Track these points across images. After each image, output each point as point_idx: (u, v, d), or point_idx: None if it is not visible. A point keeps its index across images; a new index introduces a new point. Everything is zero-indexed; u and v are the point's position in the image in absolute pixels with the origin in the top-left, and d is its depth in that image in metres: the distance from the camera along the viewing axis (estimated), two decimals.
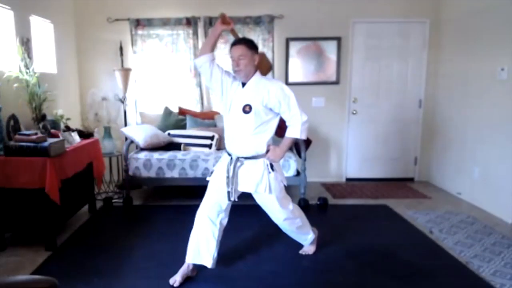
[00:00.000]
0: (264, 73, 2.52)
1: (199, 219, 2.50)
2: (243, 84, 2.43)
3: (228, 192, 2.43)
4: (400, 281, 2.51)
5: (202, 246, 2.48)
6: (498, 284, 2.45)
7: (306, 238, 2.82)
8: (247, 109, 2.38)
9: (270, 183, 2.43)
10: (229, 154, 2.50)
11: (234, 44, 2.43)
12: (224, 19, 2.42)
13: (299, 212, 2.71)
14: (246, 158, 2.45)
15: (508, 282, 2.48)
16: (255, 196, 2.53)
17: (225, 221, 2.55)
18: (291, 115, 2.41)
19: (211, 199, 2.50)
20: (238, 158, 2.45)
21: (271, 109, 2.41)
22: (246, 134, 2.42)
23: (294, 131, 2.43)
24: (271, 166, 2.45)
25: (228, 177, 2.42)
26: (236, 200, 2.46)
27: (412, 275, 2.59)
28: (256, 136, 2.42)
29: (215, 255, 2.50)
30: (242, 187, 2.46)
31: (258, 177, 2.43)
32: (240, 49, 2.37)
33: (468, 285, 2.49)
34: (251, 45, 2.40)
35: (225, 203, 2.49)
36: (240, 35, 2.57)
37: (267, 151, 2.45)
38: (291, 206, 2.62)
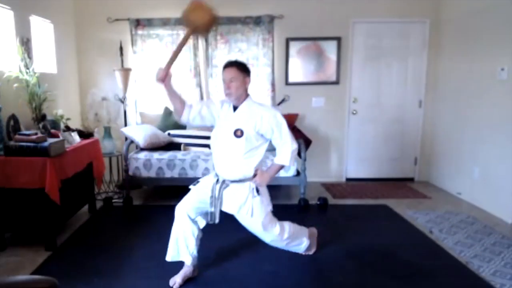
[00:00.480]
0: (202, 21, 2.35)
1: (179, 217, 2.46)
2: (234, 107, 2.43)
3: (211, 213, 2.42)
4: (400, 281, 2.51)
5: (182, 244, 2.46)
6: (498, 284, 2.45)
7: (300, 248, 2.78)
8: (238, 133, 2.37)
9: (254, 207, 2.42)
10: (216, 175, 2.49)
11: (225, 66, 2.41)
12: (162, 76, 2.34)
13: (288, 230, 2.62)
14: (232, 181, 2.45)
15: (508, 282, 2.48)
16: (238, 218, 2.50)
17: (202, 224, 2.54)
18: (282, 142, 2.43)
19: (192, 202, 2.48)
20: (224, 180, 2.45)
21: (262, 135, 2.41)
22: (235, 158, 2.41)
23: (284, 159, 2.46)
24: (257, 190, 2.44)
25: (212, 197, 2.42)
26: (217, 222, 2.44)
27: (412, 275, 2.59)
28: (245, 160, 2.42)
29: (195, 253, 2.49)
30: (226, 208, 2.46)
31: (242, 200, 2.42)
32: (232, 72, 2.36)
33: (468, 285, 2.49)
34: (242, 68, 2.40)
35: (205, 209, 2.47)
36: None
37: (255, 175, 2.46)
38: (278, 229, 2.55)
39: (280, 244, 2.66)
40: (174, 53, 2.33)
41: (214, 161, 2.53)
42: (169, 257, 2.51)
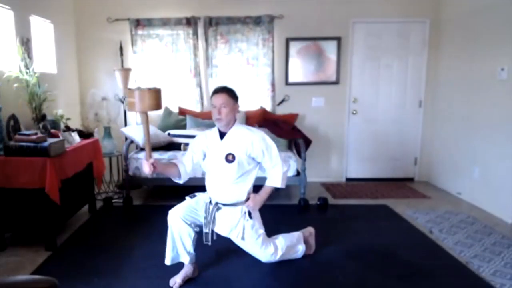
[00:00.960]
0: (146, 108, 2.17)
1: (173, 220, 2.45)
2: (222, 133, 2.46)
3: (206, 233, 2.45)
4: (400, 281, 2.51)
5: (179, 245, 2.46)
6: (498, 284, 2.45)
7: (297, 255, 2.78)
8: (230, 158, 2.40)
9: (245, 230, 2.46)
10: (210, 197, 2.52)
11: (216, 92, 2.44)
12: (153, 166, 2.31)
13: (281, 249, 2.63)
14: (225, 204, 2.49)
15: (508, 282, 2.48)
16: (231, 238, 2.54)
17: (196, 229, 2.53)
18: (272, 164, 2.48)
19: (186, 209, 2.47)
20: (217, 203, 2.48)
21: (253, 159, 2.46)
22: (227, 182, 2.45)
23: (275, 181, 2.51)
24: (249, 214, 2.47)
25: (206, 218, 2.45)
26: (210, 244, 2.47)
27: (412, 275, 2.59)
28: (237, 185, 2.46)
29: (192, 251, 2.49)
30: (217, 229, 2.50)
31: (234, 223, 2.47)
32: (223, 98, 2.39)
33: (468, 285, 2.49)
34: (232, 95, 2.44)
35: (198, 222, 2.49)
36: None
37: (247, 198, 2.50)
38: (271, 250, 2.58)
39: (275, 260, 2.67)
40: (147, 143, 2.28)
41: (207, 186, 2.57)
42: (168, 261, 2.51)
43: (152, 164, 2.29)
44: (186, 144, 4.24)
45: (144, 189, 4.69)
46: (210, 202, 2.49)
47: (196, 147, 2.54)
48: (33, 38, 3.71)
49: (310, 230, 2.89)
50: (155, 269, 2.65)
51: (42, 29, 3.96)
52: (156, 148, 4.11)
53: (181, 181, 2.52)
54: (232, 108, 2.42)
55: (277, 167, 2.49)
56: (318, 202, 3.98)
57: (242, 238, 2.48)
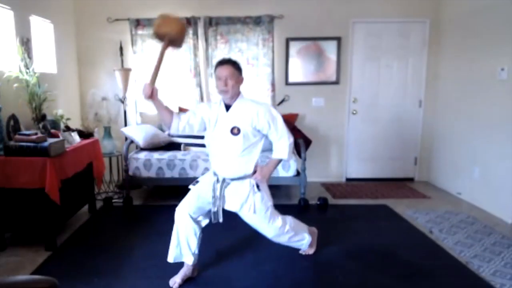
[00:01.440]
0: (174, 31, 2.41)
1: (180, 217, 2.46)
2: (227, 106, 2.43)
3: (214, 213, 2.42)
4: (400, 281, 2.51)
5: (184, 244, 2.46)
6: (498, 284, 2.45)
7: (302, 244, 2.79)
8: (235, 131, 2.37)
9: (255, 203, 2.44)
10: (215, 174, 2.49)
11: (221, 63, 2.42)
12: (151, 94, 2.36)
13: (290, 224, 2.64)
14: (232, 179, 2.46)
15: (508, 282, 2.48)
16: (240, 214, 2.51)
17: (205, 222, 2.54)
18: (278, 136, 2.44)
19: (193, 202, 2.48)
20: (224, 179, 2.45)
21: (259, 131, 2.42)
22: (233, 156, 2.41)
23: (282, 153, 2.47)
24: (258, 186, 2.45)
25: (214, 197, 2.42)
26: (221, 221, 2.44)
27: (412, 275, 2.59)
28: (243, 158, 2.42)
29: (196, 251, 2.49)
30: (228, 206, 2.47)
31: (244, 197, 2.44)
32: (228, 70, 2.37)
33: (468, 285, 2.49)
34: (237, 66, 2.42)
35: (206, 208, 2.48)
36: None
37: (254, 171, 2.47)
38: (280, 222, 2.57)
39: (283, 239, 2.66)
40: (155, 69, 2.35)
41: (212, 161, 2.53)
42: (171, 258, 2.50)
43: (152, 89, 2.32)
44: (186, 144, 4.24)
45: (144, 189, 4.69)
46: (217, 180, 2.45)
47: (197, 111, 2.48)
48: (33, 38, 3.71)
49: (314, 230, 2.89)
50: (155, 269, 2.66)
51: (42, 29, 3.96)
52: (156, 148, 4.12)
53: (169, 131, 2.45)
54: (237, 80, 2.39)
55: (283, 139, 2.44)
56: (318, 202, 3.98)
57: (254, 212, 2.43)
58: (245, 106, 2.40)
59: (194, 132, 2.51)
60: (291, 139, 2.47)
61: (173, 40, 2.41)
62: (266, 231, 2.59)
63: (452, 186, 4.49)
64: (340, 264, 2.74)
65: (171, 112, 2.45)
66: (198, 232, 2.49)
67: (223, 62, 2.42)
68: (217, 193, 2.41)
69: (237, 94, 2.42)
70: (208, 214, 2.50)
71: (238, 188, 2.45)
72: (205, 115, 2.46)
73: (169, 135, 4.29)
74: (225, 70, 2.37)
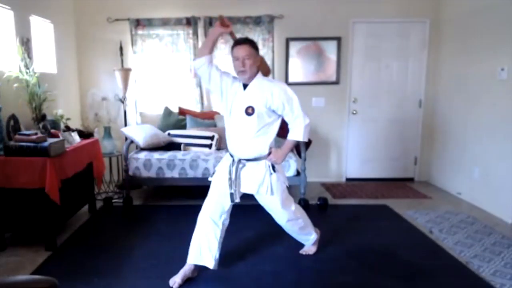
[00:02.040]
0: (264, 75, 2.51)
1: (202, 220, 2.49)
2: (244, 86, 2.40)
3: (231, 194, 2.41)
4: (400, 281, 2.51)
5: (204, 247, 2.47)
6: (498, 284, 2.45)
7: (309, 239, 2.82)
8: (249, 111, 2.35)
9: (272, 184, 2.42)
10: (231, 155, 2.48)
11: (238, 43, 2.37)
12: (223, 22, 2.37)
13: (301, 213, 2.70)
14: (248, 160, 2.44)
15: (508, 282, 2.48)
16: (257, 197, 2.52)
17: (227, 222, 2.55)
18: (294, 117, 2.40)
19: (213, 200, 2.49)
20: (240, 160, 2.44)
21: (274, 111, 2.39)
22: (248, 136, 2.39)
23: (297, 134, 2.43)
24: (273, 167, 2.44)
25: (230, 178, 2.41)
26: (239, 201, 2.44)
27: (412, 275, 2.59)
28: (258, 138, 2.40)
29: (217, 256, 2.50)
30: (244, 188, 2.45)
31: (260, 179, 2.42)
32: (246, 49, 2.32)
33: (468, 285, 2.49)
34: (255, 46, 2.38)
35: (227, 205, 2.48)
36: (238, 36, 2.53)
37: (269, 153, 2.45)
38: (293, 207, 2.61)
39: (295, 227, 2.68)
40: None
41: (228, 141, 2.51)
42: (192, 260, 2.49)
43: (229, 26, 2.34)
44: (186, 144, 4.24)
45: (144, 189, 4.69)
46: (233, 161, 2.43)
47: (224, 76, 2.43)
48: (33, 38, 3.71)
49: (317, 230, 2.90)
50: (155, 269, 2.66)
51: (42, 29, 3.96)
52: (156, 148, 4.11)
53: (196, 59, 2.43)
54: (255, 60, 2.35)
55: (298, 120, 2.40)
56: (318, 202, 3.98)
57: (272, 193, 2.42)
58: (261, 85, 2.38)
59: (207, 83, 2.47)
60: (307, 121, 2.42)
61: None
62: (280, 215, 2.58)
63: (452, 186, 4.49)
64: (340, 264, 2.74)
65: (211, 52, 2.41)
66: (219, 234, 2.49)
67: (240, 41, 2.38)
68: (233, 175, 2.40)
69: (254, 74, 2.38)
70: (229, 211, 2.51)
71: (254, 169, 2.43)
72: (225, 86, 2.43)
73: (169, 136, 4.29)
74: (243, 50, 2.32)
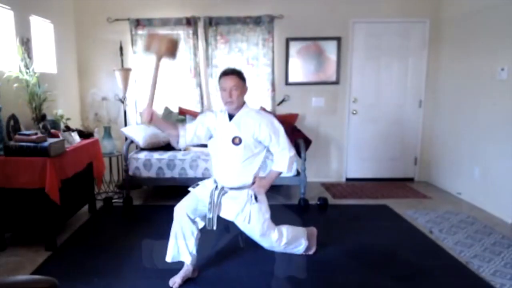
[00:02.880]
0: (165, 53, 2.34)
1: (178, 217, 2.46)
2: (230, 115, 2.43)
3: (209, 219, 2.42)
4: (400, 281, 2.51)
5: (181, 244, 2.46)
6: (498, 284, 2.45)
7: (298, 250, 2.79)
8: (236, 141, 2.38)
9: (251, 214, 2.44)
10: (215, 182, 2.51)
11: (225, 74, 2.40)
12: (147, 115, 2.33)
13: (286, 237, 2.64)
14: (231, 188, 2.46)
15: (508, 282, 2.48)
16: (236, 223, 2.52)
17: (201, 224, 2.54)
18: (280, 149, 2.45)
19: (191, 203, 2.48)
20: (223, 187, 2.46)
21: (260, 142, 2.43)
22: (234, 165, 2.43)
23: (282, 166, 2.49)
24: (256, 197, 2.46)
25: (210, 203, 2.42)
26: (215, 228, 2.44)
27: (412, 275, 2.59)
28: (244, 168, 2.44)
29: (194, 252, 2.49)
30: (224, 214, 2.47)
31: (240, 207, 2.44)
32: (233, 80, 2.36)
33: (468, 285, 2.49)
34: (242, 77, 2.42)
35: (203, 211, 2.47)
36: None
37: (253, 182, 2.48)
38: (276, 235, 2.58)
39: (277, 249, 2.69)
40: (152, 90, 2.34)
41: (214, 169, 2.55)
42: (169, 258, 2.51)
43: (152, 113, 2.29)
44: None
45: (144, 189, 4.69)
46: (216, 187, 2.46)
47: (203, 121, 2.49)
48: (33, 38, 3.71)
49: (313, 230, 2.89)
50: (155, 269, 2.65)
51: (42, 29, 3.96)
52: (156, 148, 4.12)
53: (178, 146, 2.49)
54: (242, 91, 2.39)
55: (284, 152, 2.45)
56: (318, 202, 3.98)
57: (249, 222, 2.44)
58: (248, 116, 2.41)
59: (202, 141, 2.54)
60: (292, 153, 2.48)
61: (164, 56, 2.35)
62: (261, 242, 2.62)
63: (452, 186, 4.49)
64: (340, 264, 2.74)
65: (175, 127, 2.46)
66: (195, 232, 2.49)
67: (227, 72, 2.41)
68: (214, 199, 2.42)
69: (241, 104, 2.42)
70: (204, 217, 2.50)
71: (236, 197, 2.46)
72: (211, 124, 2.48)
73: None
74: (230, 81, 2.36)
